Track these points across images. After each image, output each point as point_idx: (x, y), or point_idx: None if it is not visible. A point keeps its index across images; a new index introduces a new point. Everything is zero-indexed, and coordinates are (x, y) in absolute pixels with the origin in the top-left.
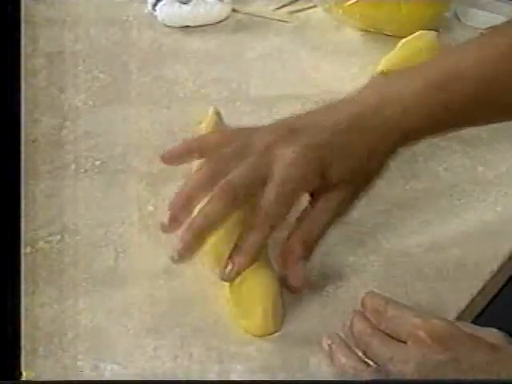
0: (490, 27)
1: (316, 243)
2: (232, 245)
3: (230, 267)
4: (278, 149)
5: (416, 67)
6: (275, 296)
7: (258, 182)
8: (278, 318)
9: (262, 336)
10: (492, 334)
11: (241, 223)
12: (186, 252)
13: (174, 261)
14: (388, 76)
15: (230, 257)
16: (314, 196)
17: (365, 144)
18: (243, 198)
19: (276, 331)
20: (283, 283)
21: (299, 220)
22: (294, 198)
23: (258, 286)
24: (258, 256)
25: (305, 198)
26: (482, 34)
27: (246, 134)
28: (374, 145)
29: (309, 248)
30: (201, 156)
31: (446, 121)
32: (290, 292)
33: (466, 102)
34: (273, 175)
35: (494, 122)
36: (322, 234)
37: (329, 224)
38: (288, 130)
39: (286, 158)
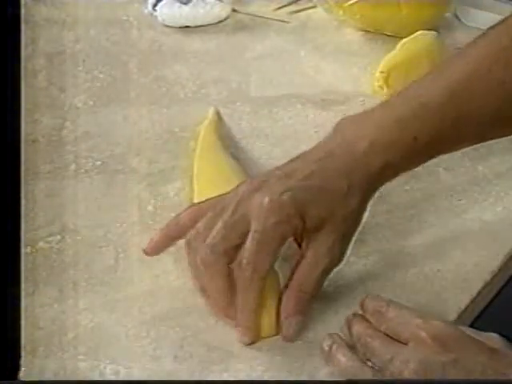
0: (457, 51)
1: (311, 296)
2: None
3: (242, 334)
4: (252, 199)
5: (383, 102)
6: (278, 298)
7: (238, 236)
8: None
9: (264, 337)
10: (492, 339)
11: None
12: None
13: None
14: (353, 116)
15: (237, 323)
16: (302, 245)
17: (338, 183)
18: (228, 254)
19: (279, 333)
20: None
21: (292, 273)
22: (277, 245)
23: None
24: (259, 310)
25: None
26: (447, 58)
27: (219, 198)
28: (349, 182)
29: (303, 303)
30: (181, 237)
31: (417, 152)
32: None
33: (433, 130)
34: (251, 226)
35: (466, 147)
36: (316, 286)
37: (321, 276)
38: (259, 182)
39: (261, 207)
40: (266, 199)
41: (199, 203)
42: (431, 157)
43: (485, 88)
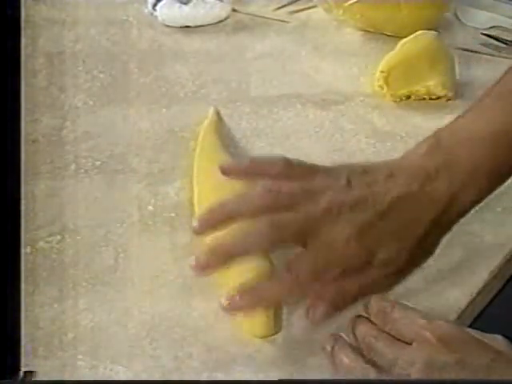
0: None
1: (342, 310)
2: None
3: (236, 300)
4: (333, 218)
5: (468, 125)
6: None
7: (303, 238)
8: (280, 319)
9: (263, 338)
10: (496, 341)
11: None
12: (205, 268)
13: (193, 270)
14: (443, 138)
15: (241, 292)
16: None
17: (422, 222)
18: (282, 245)
19: (277, 332)
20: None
21: (335, 280)
22: (330, 275)
23: None
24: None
25: None
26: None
27: (311, 176)
28: (429, 227)
29: (332, 311)
30: (262, 178)
31: (498, 185)
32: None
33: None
34: (316, 244)
35: None
36: (349, 305)
37: (360, 298)
38: (348, 198)
39: (337, 237)
40: (345, 233)
41: (291, 163)
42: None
43: None
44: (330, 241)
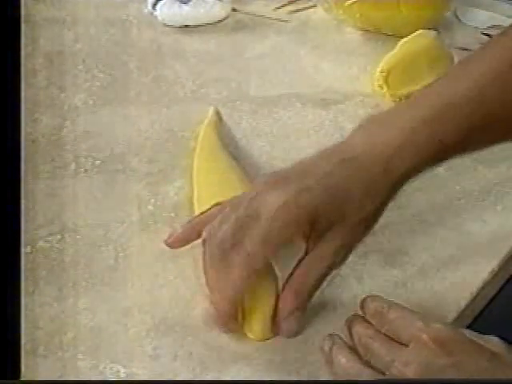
0: (480, 47)
1: (310, 294)
2: None
3: (213, 317)
4: (265, 195)
5: (406, 102)
6: (274, 300)
7: (244, 231)
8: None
9: (260, 340)
10: (493, 343)
11: None
12: None
13: None
14: (378, 116)
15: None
16: (309, 243)
17: (356, 188)
18: (232, 250)
19: (274, 336)
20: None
21: (294, 268)
22: (279, 243)
23: (257, 289)
24: (241, 295)
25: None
26: (469, 56)
27: (240, 196)
28: (367, 189)
29: (302, 299)
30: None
31: (441, 153)
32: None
33: (460, 130)
34: (260, 220)
35: (492, 145)
36: (316, 284)
37: (323, 275)
38: (278, 178)
39: (273, 204)
40: (281, 199)
41: (223, 204)
42: (455, 156)
43: None
44: (270, 209)
